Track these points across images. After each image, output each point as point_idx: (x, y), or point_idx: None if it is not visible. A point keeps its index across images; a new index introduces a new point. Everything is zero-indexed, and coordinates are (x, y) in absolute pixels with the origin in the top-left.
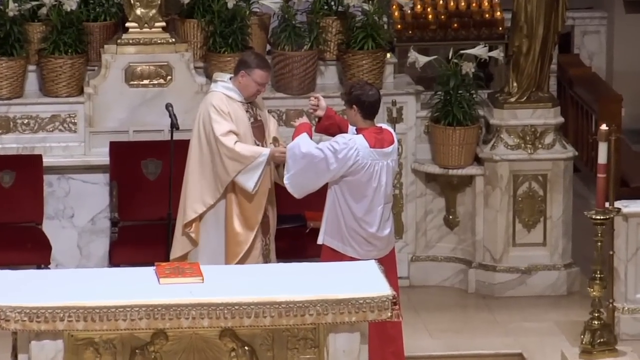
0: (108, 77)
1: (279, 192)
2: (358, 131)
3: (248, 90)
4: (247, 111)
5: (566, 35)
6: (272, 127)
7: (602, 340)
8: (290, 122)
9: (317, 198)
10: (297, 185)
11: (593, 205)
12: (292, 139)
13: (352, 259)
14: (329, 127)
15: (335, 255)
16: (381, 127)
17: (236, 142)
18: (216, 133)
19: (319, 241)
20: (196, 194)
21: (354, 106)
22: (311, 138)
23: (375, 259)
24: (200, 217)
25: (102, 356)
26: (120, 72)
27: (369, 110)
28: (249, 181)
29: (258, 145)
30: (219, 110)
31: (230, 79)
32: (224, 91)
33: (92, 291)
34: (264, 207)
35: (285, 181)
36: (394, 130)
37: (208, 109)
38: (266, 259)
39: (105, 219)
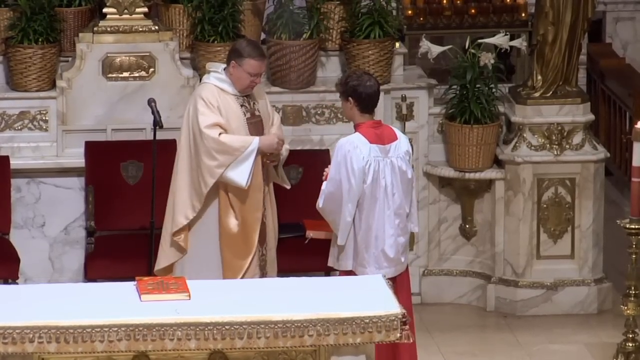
0: (83, 70)
1: (276, 197)
2: (355, 128)
3: (241, 83)
4: (242, 105)
5: (597, 23)
6: (276, 124)
7: None
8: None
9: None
10: (344, 232)
11: (627, 212)
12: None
13: None
14: None
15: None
16: (380, 121)
17: (221, 133)
18: (200, 125)
19: (332, 264)
20: (186, 198)
21: (350, 99)
22: None
23: (392, 276)
24: (189, 226)
25: None
26: (97, 63)
27: (366, 103)
28: (241, 175)
29: None
30: (207, 102)
31: (224, 69)
32: (216, 83)
33: (66, 309)
34: (262, 204)
35: (340, 243)
36: (404, 130)
37: (196, 102)
38: (262, 271)
39: (80, 229)
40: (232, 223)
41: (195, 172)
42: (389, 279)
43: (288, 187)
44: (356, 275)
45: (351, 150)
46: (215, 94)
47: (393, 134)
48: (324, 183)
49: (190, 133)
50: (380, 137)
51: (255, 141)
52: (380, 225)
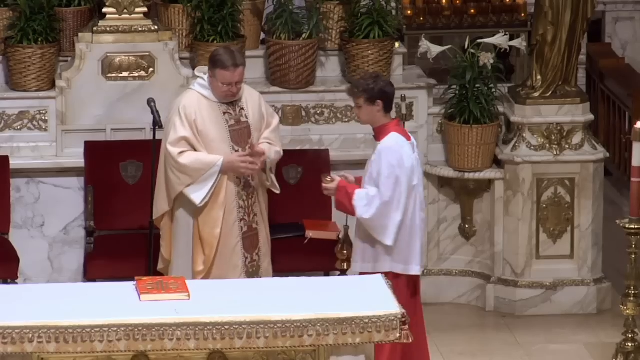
0: (83, 69)
1: (271, 199)
2: (382, 130)
3: (218, 93)
4: (225, 112)
5: (596, 23)
6: (270, 127)
7: None
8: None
9: (316, 204)
10: (394, 233)
11: (626, 212)
12: (341, 208)
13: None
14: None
15: (397, 279)
16: (398, 119)
17: (181, 152)
18: (167, 139)
19: (364, 269)
20: (157, 197)
21: (379, 101)
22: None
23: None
24: (172, 235)
25: None
26: (97, 63)
27: (391, 102)
28: (197, 195)
29: (237, 150)
30: (182, 114)
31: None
32: (200, 90)
33: (65, 309)
34: (221, 221)
35: (390, 244)
36: None
37: (174, 112)
38: (252, 277)
39: (79, 228)
40: (195, 234)
41: (163, 176)
42: (417, 275)
43: (277, 192)
44: (401, 275)
45: (400, 152)
46: (195, 103)
47: (407, 131)
48: (365, 193)
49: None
50: (407, 134)
51: (218, 162)
52: (417, 223)
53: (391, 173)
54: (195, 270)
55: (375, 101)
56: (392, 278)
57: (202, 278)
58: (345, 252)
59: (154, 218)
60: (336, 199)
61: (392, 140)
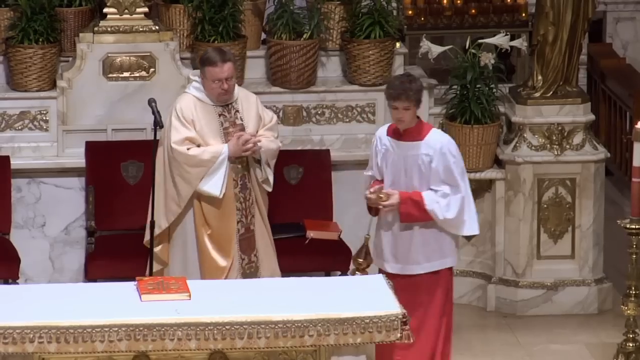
0: (84, 70)
1: (271, 199)
2: (419, 128)
3: (212, 93)
4: (220, 115)
5: (597, 23)
6: (267, 126)
7: None
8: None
9: (317, 204)
10: (474, 225)
11: (627, 213)
12: (409, 219)
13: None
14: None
15: (450, 276)
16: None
17: (190, 148)
18: (170, 141)
19: (421, 271)
20: (161, 207)
21: (421, 101)
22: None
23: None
24: (169, 237)
25: None
26: (98, 63)
27: None
28: (215, 186)
29: None
30: (180, 116)
31: None
32: (195, 93)
33: (66, 309)
34: (235, 214)
35: (476, 232)
36: None
37: (172, 114)
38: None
39: (80, 228)
40: (206, 237)
41: (170, 183)
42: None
43: (269, 189)
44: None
45: (454, 142)
46: (191, 106)
47: None
48: (435, 193)
49: (165, 143)
50: None
51: (224, 149)
52: None
53: (458, 165)
54: (219, 267)
55: (420, 101)
56: (451, 271)
57: (227, 274)
58: (361, 260)
59: (160, 230)
60: (402, 211)
61: (442, 134)
